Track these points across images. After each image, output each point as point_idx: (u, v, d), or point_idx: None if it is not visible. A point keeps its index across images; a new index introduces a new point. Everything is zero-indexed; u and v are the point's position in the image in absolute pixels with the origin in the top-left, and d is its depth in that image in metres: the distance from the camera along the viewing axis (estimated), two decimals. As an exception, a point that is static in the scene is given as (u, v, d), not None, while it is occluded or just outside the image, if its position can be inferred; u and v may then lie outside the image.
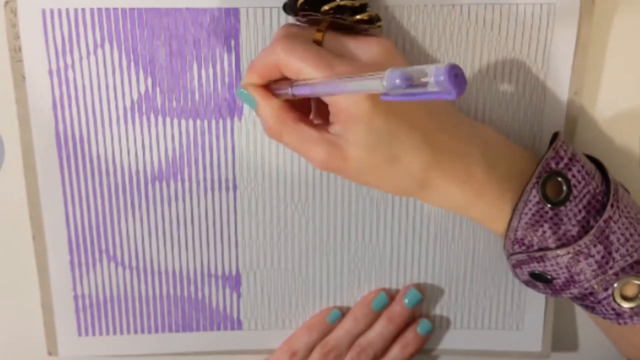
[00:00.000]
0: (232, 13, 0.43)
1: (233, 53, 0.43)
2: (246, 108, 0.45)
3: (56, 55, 0.43)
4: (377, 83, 0.29)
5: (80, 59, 0.43)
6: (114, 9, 0.42)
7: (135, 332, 0.49)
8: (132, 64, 0.43)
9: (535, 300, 0.49)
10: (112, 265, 0.47)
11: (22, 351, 0.50)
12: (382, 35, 0.41)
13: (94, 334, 0.49)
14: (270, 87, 0.40)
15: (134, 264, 0.47)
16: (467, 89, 0.44)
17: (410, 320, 0.48)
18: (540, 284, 0.41)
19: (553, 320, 0.49)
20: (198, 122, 0.45)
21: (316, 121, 0.42)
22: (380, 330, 0.47)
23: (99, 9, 0.42)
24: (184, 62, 0.44)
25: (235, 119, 0.45)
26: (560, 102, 0.45)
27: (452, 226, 0.47)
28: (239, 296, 0.49)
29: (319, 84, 0.36)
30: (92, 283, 0.48)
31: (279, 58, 0.38)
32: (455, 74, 0.26)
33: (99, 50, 0.43)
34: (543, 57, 0.44)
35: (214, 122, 0.45)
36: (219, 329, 0.49)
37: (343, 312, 0.49)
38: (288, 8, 0.41)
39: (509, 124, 0.45)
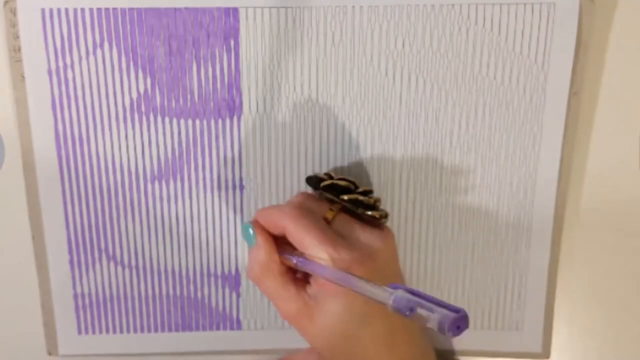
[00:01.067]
0: (232, 13, 0.43)
1: (233, 53, 0.43)
2: (246, 107, 0.45)
3: (55, 55, 0.43)
4: (385, 296, 0.32)
5: (80, 59, 0.43)
6: (113, 9, 0.42)
7: (135, 331, 0.49)
8: (132, 64, 0.43)
9: (535, 300, 0.49)
10: (112, 264, 0.47)
11: (22, 350, 0.50)
12: (386, 227, 0.43)
13: (93, 333, 0.49)
14: (277, 243, 0.41)
15: (133, 263, 0.47)
16: (467, 89, 0.45)
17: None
18: None
19: (553, 320, 0.49)
20: (197, 122, 0.45)
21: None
22: None
23: (99, 9, 0.42)
24: (184, 62, 0.43)
25: (235, 118, 0.45)
26: (560, 102, 0.45)
27: (452, 226, 0.47)
28: (238, 296, 0.49)
29: (329, 270, 0.37)
30: (91, 282, 0.48)
31: (287, 225, 0.39)
32: (458, 326, 0.28)
33: (99, 50, 0.43)
34: (543, 57, 0.44)
35: (213, 122, 0.45)
36: (218, 328, 0.49)
37: None
38: (311, 182, 0.43)
39: (509, 124, 0.45)
